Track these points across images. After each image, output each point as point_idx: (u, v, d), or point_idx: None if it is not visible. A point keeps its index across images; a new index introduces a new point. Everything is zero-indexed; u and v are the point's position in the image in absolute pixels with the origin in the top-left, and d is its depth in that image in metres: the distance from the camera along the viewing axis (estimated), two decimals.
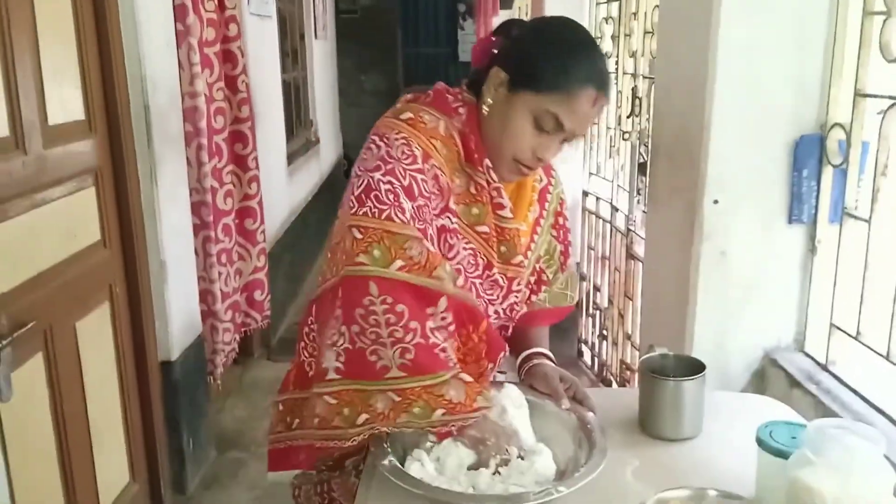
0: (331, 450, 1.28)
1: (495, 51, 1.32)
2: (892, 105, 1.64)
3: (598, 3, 3.68)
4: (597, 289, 3.80)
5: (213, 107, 2.99)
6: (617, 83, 3.38)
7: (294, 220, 5.05)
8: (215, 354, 3.04)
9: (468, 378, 1.17)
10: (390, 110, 1.34)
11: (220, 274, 3.02)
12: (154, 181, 2.46)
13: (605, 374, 3.65)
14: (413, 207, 1.20)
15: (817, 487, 0.95)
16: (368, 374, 1.14)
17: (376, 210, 1.17)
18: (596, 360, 3.81)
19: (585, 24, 3.83)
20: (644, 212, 2.94)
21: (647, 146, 2.96)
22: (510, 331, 1.46)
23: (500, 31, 1.34)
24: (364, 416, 1.14)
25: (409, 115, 1.29)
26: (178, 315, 2.65)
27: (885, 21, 1.66)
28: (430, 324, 1.16)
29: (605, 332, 3.65)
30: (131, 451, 2.44)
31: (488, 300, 1.36)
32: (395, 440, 1.20)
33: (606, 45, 3.48)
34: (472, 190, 1.30)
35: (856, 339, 1.80)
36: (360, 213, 1.18)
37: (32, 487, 1.87)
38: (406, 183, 1.20)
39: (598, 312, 3.79)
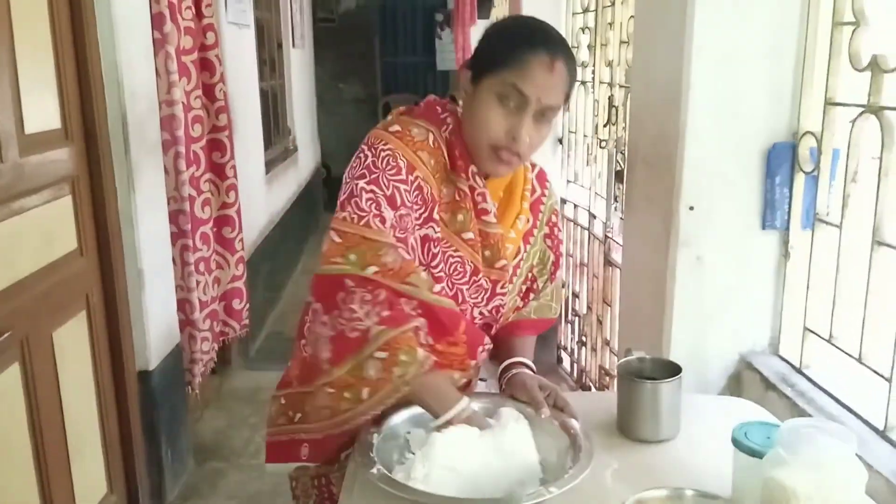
0: (338, 441, 1.32)
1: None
2: (862, 113, 1.68)
3: (574, 14, 3.72)
4: (575, 295, 3.82)
5: (191, 115, 2.98)
6: (593, 92, 3.42)
7: (272, 229, 5.04)
8: (193, 364, 3.02)
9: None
10: (381, 122, 1.38)
11: (198, 283, 3.00)
12: (131, 189, 2.45)
13: (584, 380, 3.67)
14: (395, 216, 1.24)
15: (791, 486, 0.97)
16: (352, 347, 1.18)
17: (356, 216, 1.22)
18: (575, 366, 3.83)
19: (562, 33, 3.86)
20: (621, 219, 2.97)
21: (623, 154, 2.99)
22: (493, 330, 1.47)
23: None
24: (366, 390, 1.18)
25: (397, 127, 1.32)
26: (156, 324, 2.64)
27: (853, 31, 1.70)
28: (401, 306, 1.21)
29: (584, 338, 3.67)
30: (109, 461, 2.42)
31: (473, 303, 1.39)
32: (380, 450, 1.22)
33: (583, 55, 3.52)
34: (457, 197, 1.33)
35: (829, 341, 1.83)
36: (341, 217, 1.23)
37: (9, 498, 1.85)
38: (389, 192, 1.24)
39: (576, 319, 3.81)
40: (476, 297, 1.39)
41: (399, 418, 1.28)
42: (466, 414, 1.22)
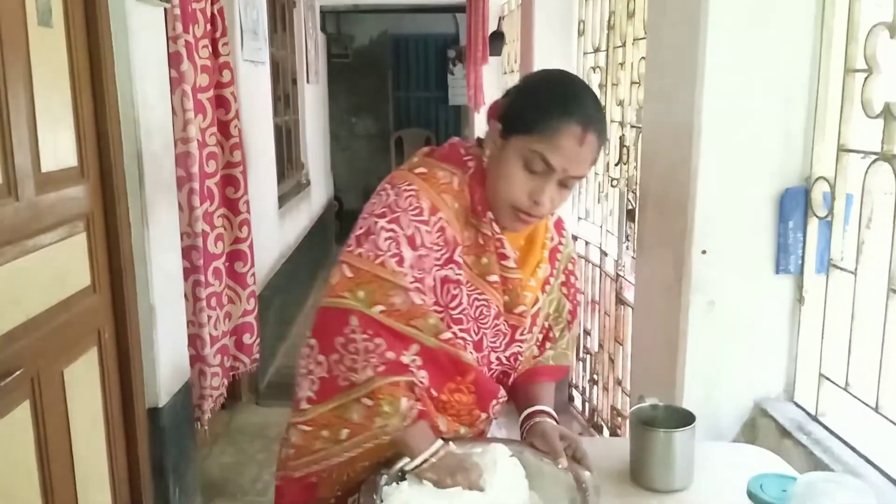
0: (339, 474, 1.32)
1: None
2: (875, 161, 1.68)
3: (585, 53, 3.75)
4: (587, 333, 3.80)
5: (206, 152, 3.01)
6: None
7: (284, 263, 5.05)
8: (203, 400, 3.01)
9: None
10: (406, 163, 1.38)
11: (209, 318, 3.01)
12: (145, 225, 2.47)
13: (595, 419, 3.63)
14: (414, 256, 1.24)
15: None
16: (340, 389, 1.20)
17: (371, 254, 1.22)
18: (587, 405, 3.80)
19: (574, 72, 3.90)
20: (633, 257, 2.96)
21: (634, 193, 2.99)
22: (511, 379, 1.46)
23: (506, 92, 1.39)
24: (345, 431, 1.20)
25: (422, 169, 1.33)
26: (167, 361, 2.64)
27: (866, 78, 1.70)
28: (403, 358, 1.22)
29: (595, 376, 3.64)
30: (117, 499, 2.40)
31: (492, 348, 1.39)
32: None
33: None
34: (480, 241, 1.34)
35: (845, 389, 1.81)
36: (356, 252, 1.23)
37: None
38: (409, 233, 1.25)
39: (588, 357, 3.79)
40: (495, 342, 1.39)
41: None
42: (440, 454, 1.21)
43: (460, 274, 1.31)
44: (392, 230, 1.23)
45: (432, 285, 1.28)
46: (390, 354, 1.19)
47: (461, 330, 1.31)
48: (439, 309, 1.29)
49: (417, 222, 1.26)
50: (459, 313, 1.31)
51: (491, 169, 1.32)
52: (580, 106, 1.26)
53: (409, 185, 1.28)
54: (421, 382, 1.24)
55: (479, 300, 1.34)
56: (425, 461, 1.20)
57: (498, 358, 1.41)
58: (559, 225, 1.50)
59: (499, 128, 1.31)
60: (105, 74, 2.28)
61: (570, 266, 1.50)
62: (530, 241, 1.42)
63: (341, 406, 1.18)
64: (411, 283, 1.23)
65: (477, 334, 1.34)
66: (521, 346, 1.41)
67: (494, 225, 1.33)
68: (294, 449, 1.34)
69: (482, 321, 1.35)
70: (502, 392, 1.38)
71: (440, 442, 1.23)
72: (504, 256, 1.34)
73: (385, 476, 1.22)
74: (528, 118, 1.26)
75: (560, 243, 1.48)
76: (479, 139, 1.40)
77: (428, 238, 1.26)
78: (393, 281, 1.21)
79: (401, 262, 1.22)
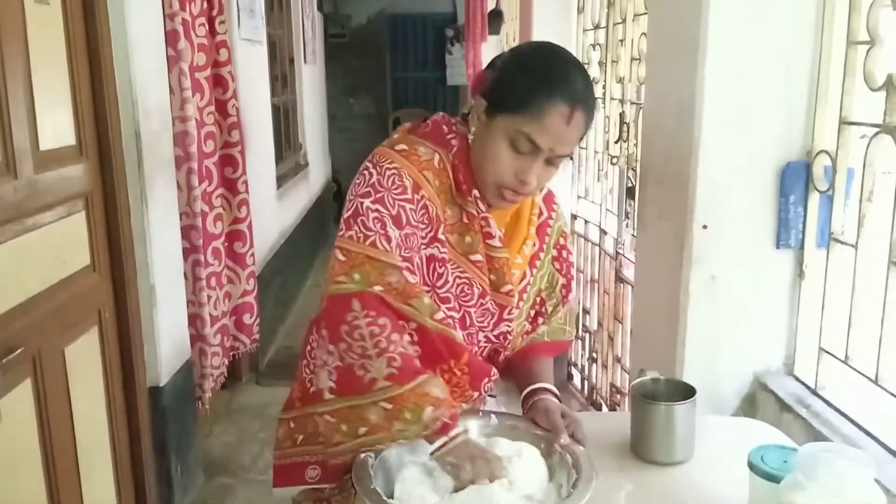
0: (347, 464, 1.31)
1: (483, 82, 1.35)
2: (877, 133, 1.67)
3: (585, 30, 3.72)
4: (586, 312, 3.81)
5: (204, 131, 3.00)
6: (604, 108, 3.42)
7: (283, 243, 5.05)
8: (203, 379, 3.02)
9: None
10: (387, 140, 1.37)
11: (209, 298, 3.01)
12: (144, 205, 2.46)
13: (595, 397, 3.65)
14: (400, 236, 1.23)
15: None
16: (358, 388, 1.17)
17: (361, 235, 1.22)
18: (586, 383, 3.81)
19: (573, 49, 3.88)
20: (633, 235, 2.96)
21: (634, 171, 2.99)
22: (502, 356, 1.46)
23: (490, 63, 1.37)
24: (363, 429, 1.17)
25: (403, 146, 1.31)
26: (167, 340, 2.64)
27: (868, 50, 1.69)
28: (406, 338, 1.20)
29: (594, 355, 3.65)
30: (119, 477, 2.42)
31: (479, 327, 1.38)
32: (378, 467, 1.20)
33: (594, 71, 3.52)
34: (465, 219, 1.33)
35: (844, 362, 1.82)
36: (346, 236, 1.23)
37: None
38: (394, 212, 1.24)
39: (587, 335, 3.80)
40: (483, 322, 1.38)
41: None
42: (461, 439, 1.19)
43: (445, 252, 1.31)
44: (377, 210, 1.23)
45: (419, 264, 1.28)
46: (395, 336, 1.17)
47: (448, 308, 1.31)
48: (427, 288, 1.29)
49: (401, 201, 1.25)
50: (446, 292, 1.32)
51: (476, 146, 1.31)
52: (568, 84, 1.24)
53: (391, 162, 1.28)
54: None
55: (460, 278, 1.33)
56: (444, 445, 1.17)
57: (486, 337, 1.40)
58: (549, 199, 1.48)
59: (484, 105, 1.29)
60: (102, 52, 2.26)
61: (561, 240, 1.49)
62: (516, 217, 1.41)
63: (359, 406, 1.16)
64: (402, 261, 1.22)
65: (459, 312, 1.34)
66: (509, 325, 1.40)
67: (480, 203, 1.32)
68: (304, 435, 1.36)
69: (464, 299, 1.34)
70: (494, 371, 1.37)
71: (461, 427, 1.20)
72: (489, 235, 1.33)
73: (371, 456, 1.21)
74: (515, 98, 1.24)
75: (550, 217, 1.47)
76: (463, 114, 1.38)
77: (413, 216, 1.26)
78: (385, 260, 1.21)
79: (388, 242, 1.22)
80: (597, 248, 3.59)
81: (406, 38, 9.68)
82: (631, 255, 3.01)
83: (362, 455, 1.20)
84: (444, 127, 1.36)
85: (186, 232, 2.86)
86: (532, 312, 1.48)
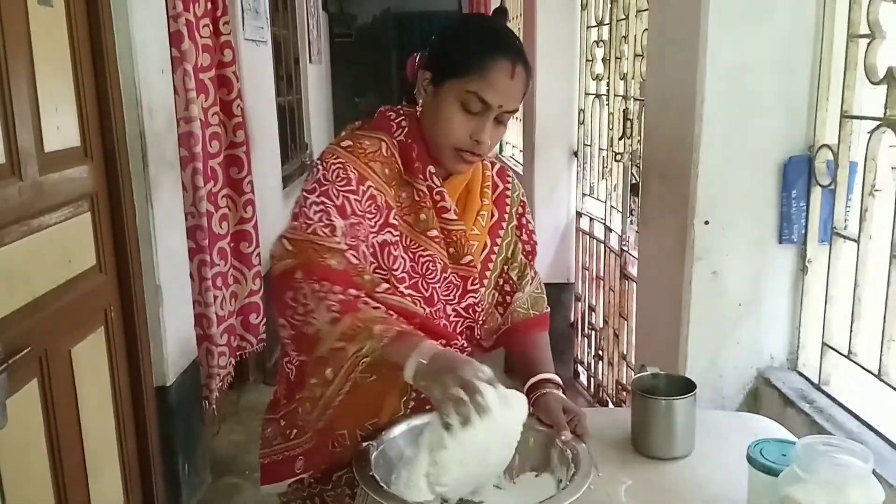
0: (332, 454, 1.33)
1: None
2: (878, 127, 1.67)
3: (589, 27, 3.72)
4: (591, 309, 3.81)
5: (209, 132, 3.01)
6: (608, 105, 3.42)
7: None
8: (210, 379, 3.03)
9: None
10: (336, 138, 1.41)
11: (215, 298, 3.02)
12: (150, 205, 2.48)
13: (601, 394, 3.65)
14: (345, 225, 1.27)
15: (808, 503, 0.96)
16: (310, 345, 1.18)
17: (304, 225, 1.25)
18: (592, 380, 3.81)
19: (577, 47, 3.88)
20: (637, 232, 2.96)
21: (638, 167, 2.98)
22: (476, 333, 1.48)
23: (428, 42, 1.42)
24: (329, 370, 1.17)
25: (349, 142, 1.35)
26: (174, 340, 2.66)
27: (869, 43, 1.69)
28: (351, 291, 1.19)
29: (600, 352, 3.65)
30: (126, 476, 2.43)
31: (445, 301, 1.41)
32: (379, 460, 1.20)
33: (598, 68, 3.52)
34: (416, 197, 1.36)
35: (848, 357, 1.81)
36: (291, 227, 1.27)
37: None
38: (339, 202, 1.28)
39: (593, 333, 3.80)
40: (448, 295, 1.41)
41: (397, 431, 1.27)
42: (432, 351, 1.12)
43: (398, 236, 1.34)
44: (322, 202, 1.26)
45: (371, 251, 1.31)
46: (338, 288, 1.17)
47: (407, 287, 1.34)
48: (383, 272, 1.32)
49: (346, 192, 1.29)
50: (402, 272, 1.34)
51: (428, 117, 1.36)
52: (505, 41, 1.33)
53: (336, 158, 1.32)
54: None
55: (423, 256, 1.37)
56: (419, 365, 1.11)
57: (455, 310, 1.42)
58: (502, 173, 1.53)
59: (429, 77, 1.35)
60: (106, 54, 2.28)
61: (520, 209, 1.54)
62: (467, 191, 1.45)
63: (321, 359, 1.17)
64: (346, 247, 1.24)
65: (427, 290, 1.37)
66: (475, 297, 1.43)
67: (435, 178, 1.36)
68: (296, 430, 1.38)
69: (430, 276, 1.38)
70: (462, 342, 1.39)
71: (430, 342, 1.14)
72: (444, 209, 1.37)
73: (373, 445, 1.21)
74: (459, 61, 1.30)
75: (507, 188, 1.52)
76: (406, 98, 1.44)
77: (358, 207, 1.29)
78: (327, 245, 1.23)
79: (333, 231, 1.24)
80: (602, 246, 3.59)
81: (412, 36, 9.69)
82: (636, 252, 3.01)
83: (364, 444, 1.22)
84: (391, 113, 1.42)
85: (192, 232, 2.87)
86: (500, 281, 1.51)
